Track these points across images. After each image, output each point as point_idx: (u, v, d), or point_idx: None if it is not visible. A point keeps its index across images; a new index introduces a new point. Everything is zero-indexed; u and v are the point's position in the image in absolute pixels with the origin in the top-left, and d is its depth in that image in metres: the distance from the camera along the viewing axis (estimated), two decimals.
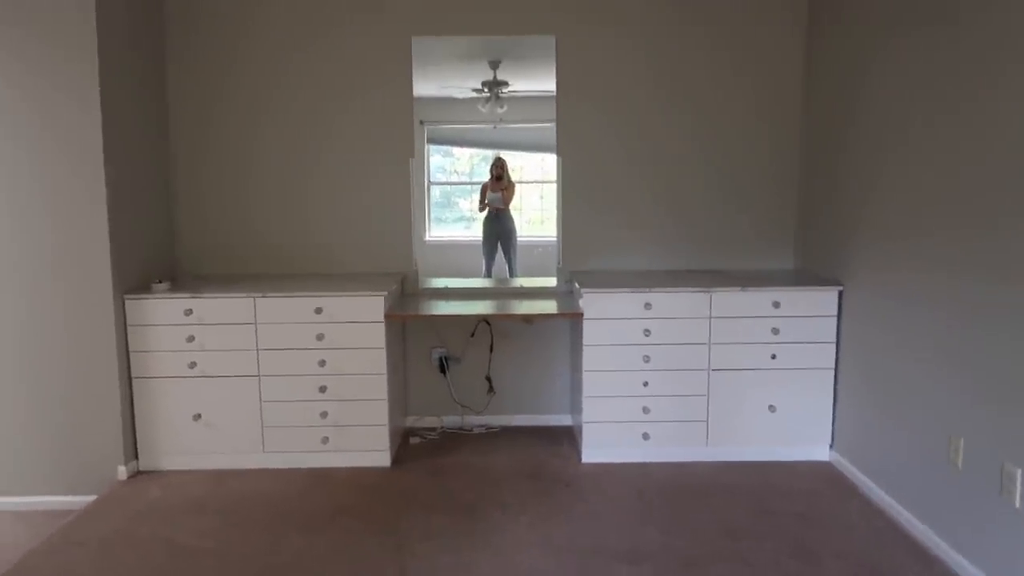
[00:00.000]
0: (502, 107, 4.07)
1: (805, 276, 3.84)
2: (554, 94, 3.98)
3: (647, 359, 3.54)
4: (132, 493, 3.35)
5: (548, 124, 4.01)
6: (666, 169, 4.04)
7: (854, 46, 3.41)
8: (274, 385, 3.53)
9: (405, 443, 3.93)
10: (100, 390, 3.42)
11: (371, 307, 3.49)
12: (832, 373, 3.56)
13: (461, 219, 4.36)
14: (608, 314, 3.52)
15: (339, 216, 4.06)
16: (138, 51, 3.65)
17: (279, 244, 4.06)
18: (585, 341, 3.54)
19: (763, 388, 3.57)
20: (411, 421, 4.18)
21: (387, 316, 3.51)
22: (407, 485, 3.41)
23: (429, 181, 4.21)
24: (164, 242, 3.93)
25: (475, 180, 4.29)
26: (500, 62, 4.02)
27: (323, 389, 3.53)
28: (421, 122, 4.04)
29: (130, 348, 3.48)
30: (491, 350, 4.13)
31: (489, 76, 4.04)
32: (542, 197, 4.22)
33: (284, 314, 3.48)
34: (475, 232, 4.25)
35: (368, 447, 3.59)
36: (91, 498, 3.34)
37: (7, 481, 3.46)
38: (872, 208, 3.24)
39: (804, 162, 3.98)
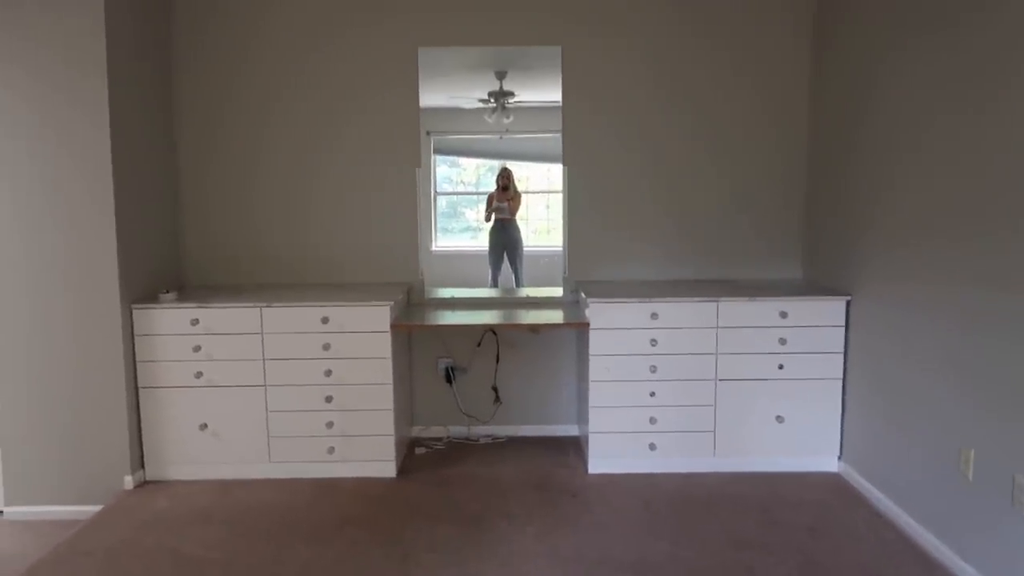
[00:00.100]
0: (508, 117, 4.08)
1: (812, 286, 3.83)
2: (560, 104, 3.99)
3: (654, 369, 3.53)
4: (138, 503, 3.34)
5: (554, 134, 4.02)
6: (672, 179, 4.04)
7: (860, 54, 3.41)
8: (280, 395, 3.53)
9: (411, 453, 3.93)
10: (107, 400, 3.43)
11: (377, 317, 3.49)
12: (840, 383, 3.54)
13: (467, 229, 4.36)
14: (614, 324, 3.51)
15: (345, 226, 4.07)
16: (146, 64, 3.68)
17: (285, 254, 4.08)
18: (591, 351, 3.53)
19: (771, 398, 3.55)
20: (417, 431, 4.18)
21: (393, 326, 3.51)
22: (413, 495, 3.40)
23: (435, 191, 4.22)
24: (171, 252, 3.95)
25: (481, 190, 4.30)
26: (506, 73, 4.04)
27: (329, 399, 3.53)
28: (428, 132, 4.06)
29: (137, 358, 3.49)
30: (497, 360, 4.12)
31: (495, 86, 4.05)
32: (548, 207, 4.22)
33: (290, 324, 3.48)
34: (481, 242, 4.25)
35: (374, 457, 3.58)
36: (98, 508, 3.34)
37: (15, 490, 3.46)
38: (880, 217, 3.23)
39: (811, 172, 3.97)
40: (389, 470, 3.60)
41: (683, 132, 4.00)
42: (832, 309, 3.50)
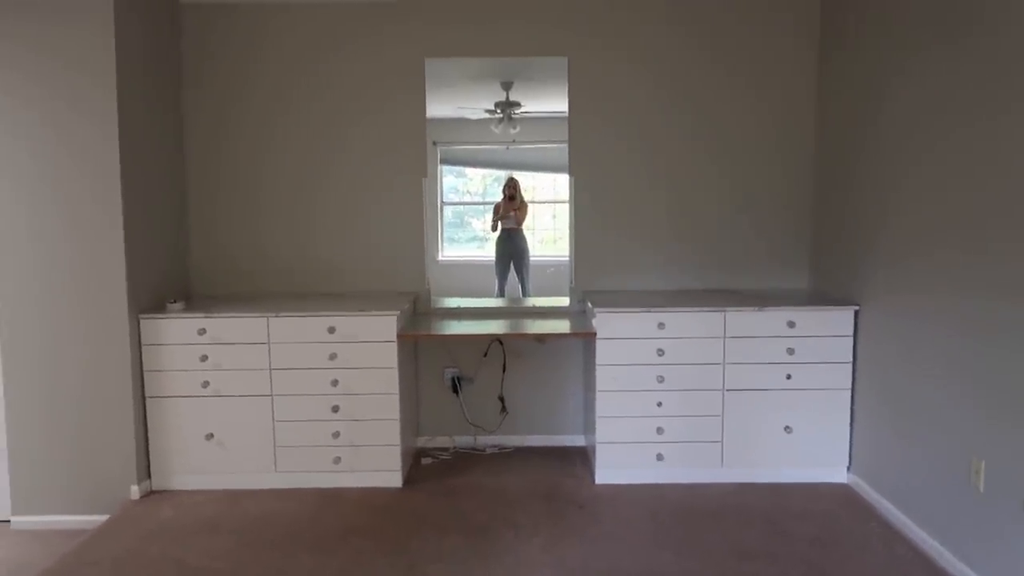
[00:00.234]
0: (515, 128, 4.09)
1: (820, 296, 3.81)
2: (566, 115, 4.00)
3: (661, 379, 3.51)
4: (144, 513, 3.34)
5: (561, 144, 4.02)
6: (679, 188, 4.03)
7: (869, 64, 3.40)
8: (287, 405, 3.53)
9: (417, 463, 3.92)
10: (114, 409, 3.43)
11: (384, 326, 3.49)
12: (849, 394, 3.51)
13: (474, 239, 4.37)
14: (621, 334, 3.50)
15: (352, 236, 4.08)
16: (155, 75, 3.71)
17: (292, 264, 4.09)
18: (598, 361, 3.52)
19: (779, 409, 3.53)
20: (423, 441, 4.17)
21: (400, 336, 3.51)
22: (419, 506, 3.39)
23: (442, 201, 4.23)
24: (178, 262, 3.97)
25: (488, 200, 4.30)
26: (513, 83, 4.06)
27: (335, 409, 3.52)
28: (434, 143, 4.07)
29: (144, 367, 3.50)
30: (504, 370, 4.12)
31: (502, 97, 4.07)
32: (555, 217, 4.22)
33: (297, 334, 3.49)
34: (488, 252, 4.25)
35: (380, 467, 3.57)
36: (104, 517, 3.35)
37: (23, 500, 3.47)
38: (889, 227, 3.21)
39: (818, 181, 3.96)
40: (395, 480, 3.59)
41: (689, 142, 4.00)
42: (840, 319, 3.48)
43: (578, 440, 4.16)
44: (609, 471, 3.59)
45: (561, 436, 4.17)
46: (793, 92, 3.97)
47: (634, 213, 4.05)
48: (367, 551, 2.96)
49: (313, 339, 3.49)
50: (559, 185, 4.12)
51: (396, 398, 3.52)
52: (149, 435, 3.54)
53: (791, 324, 3.47)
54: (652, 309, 3.50)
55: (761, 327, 3.49)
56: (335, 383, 3.51)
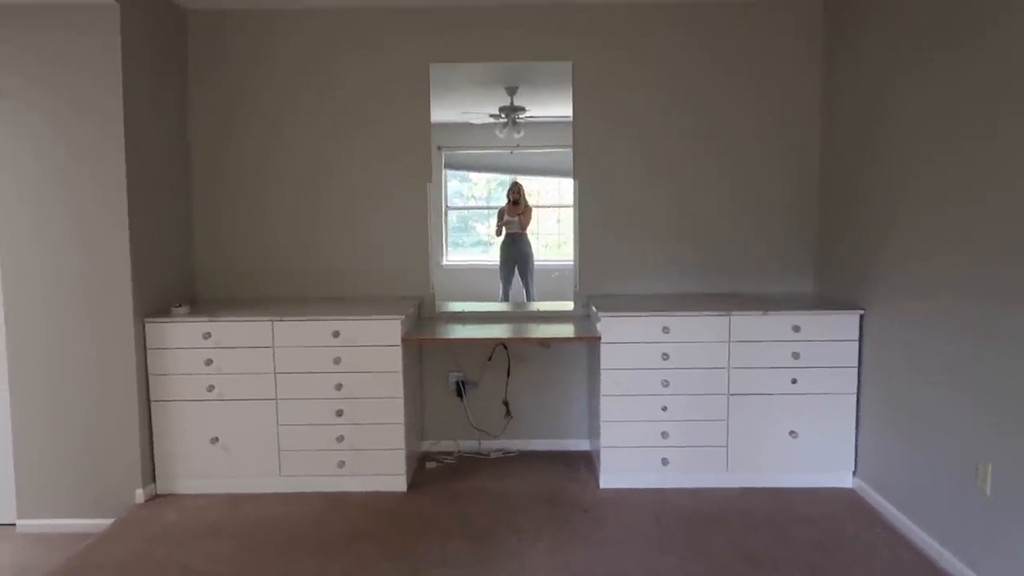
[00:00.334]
0: (519, 132, 4.09)
1: (825, 300, 3.80)
2: (571, 119, 4.00)
3: (666, 383, 3.51)
4: (149, 516, 3.35)
5: (565, 149, 4.03)
6: (683, 193, 4.03)
7: (874, 66, 3.40)
8: (291, 409, 3.53)
9: (421, 467, 3.91)
10: (119, 413, 3.44)
11: (388, 331, 3.49)
12: (854, 398, 3.50)
13: (478, 243, 4.37)
14: (626, 338, 3.50)
15: (357, 240, 4.09)
16: (160, 79, 3.72)
17: (297, 268, 4.10)
18: (603, 365, 3.51)
19: (784, 413, 3.52)
20: (427, 445, 4.17)
21: (404, 340, 3.51)
22: (423, 510, 3.39)
23: (446, 206, 4.23)
24: (183, 266, 3.98)
25: (492, 205, 4.30)
26: (517, 88, 4.06)
27: (340, 413, 3.53)
28: (439, 147, 4.08)
29: (149, 371, 3.50)
30: (508, 374, 4.11)
31: (506, 102, 4.08)
32: (559, 221, 4.22)
33: (302, 338, 3.49)
34: (492, 256, 4.25)
35: (384, 471, 3.57)
36: (109, 521, 3.35)
37: (29, 504, 3.48)
38: (894, 231, 3.21)
39: (823, 185, 3.96)
40: (399, 484, 3.59)
41: (694, 145, 4.00)
42: (845, 323, 3.47)
43: (582, 444, 4.15)
44: (613, 475, 3.58)
45: (565, 440, 4.16)
46: (797, 97, 3.96)
47: (639, 217, 4.05)
48: (371, 555, 2.96)
49: (317, 343, 3.49)
50: (563, 189, 4.12)
51: (400, 402, 3.52)
52: (154, 439, 3.55)
53: (796, 328, 3.47)
54: (657, 313, 3.50)
55: (766, 331, 3.48)
56: (339, 387, 3.51)
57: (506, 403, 4.14)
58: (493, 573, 2.80)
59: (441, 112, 4.02)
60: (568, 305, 4.11)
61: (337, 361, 3.49)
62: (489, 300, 4.26)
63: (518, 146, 4.13)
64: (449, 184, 4.24)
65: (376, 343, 3.49)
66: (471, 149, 4.27)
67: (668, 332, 3.49)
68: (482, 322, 3.97)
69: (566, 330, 3.74)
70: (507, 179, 4.23)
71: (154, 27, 3.62)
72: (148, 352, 3.49)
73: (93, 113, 3.32)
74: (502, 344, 4.04)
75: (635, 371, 3.51)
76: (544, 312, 4.15)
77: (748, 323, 3.48)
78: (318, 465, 3.56)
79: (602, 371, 3.52)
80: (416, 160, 4.03)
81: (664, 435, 3.53)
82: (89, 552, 3.04)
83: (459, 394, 4.11)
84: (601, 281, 4.09)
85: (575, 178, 4.03)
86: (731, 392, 3.52)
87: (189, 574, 2.84)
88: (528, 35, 3.96)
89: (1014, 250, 2.42)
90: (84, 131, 3.33)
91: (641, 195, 4.04)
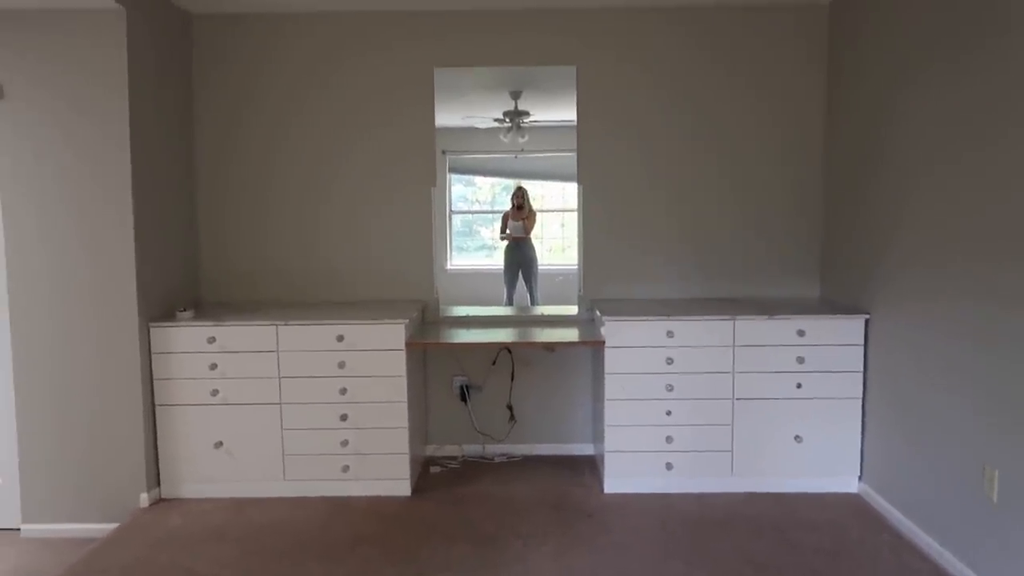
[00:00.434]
0: (523, 137, 4.10)
1: (830, 304, 3.79)
2: (575, 124, 4.00)
3: (670, 388, 3.50)
4: (153, 521, 3.35)
5: (569, 153, 4.03)
6: (688, 197, 4.03)
7: (880, 73, 3.39)
8: (295, 413, 3.53)
9: (425, 472, 3.91)
10: (124, 418, 3.45)
11: (392, 335, 3.49)
12: (860, 403, 3.49)
13: (482, 247, 4.38)
14: (630, 342, 3.49)
15: (361, 245, 4.09)
16: (166, 84, 3.73)
17: (301, 272, 4.10)
18: (607, 369, 3.51)
19: (789, 418, 3.51)
20: (431, 450, 4.16)
21: (408, 344, 3.51)
22: (427, 514, 3.38)
23: (451, 210, 4.24)
24: (188, 270, 3.98)
25: (496, 209, 4.31)
26: (521, 92, 4.07)
27: (344, 417, 3.52)
28: (443, 152, 4.08)
29: (154, 375, 3.51)
30: (512, 378, 4.11)
31: (511, 106, 4.08)
32: (563, 225, 4.23)
33: (306, 342, 3.49)
34: (496, 260, 4.26)
35: (388, 476, 3.57)
36: (114, 525, 3.35)
37: (33, 508, 3.48)
38: (899, 235, 3.20)
39: (827, 189, 3.95)
40: (403, 489, 3.59)
41: (698, 149, 4.00)
42: (850, 328, 3.46)
43: (587, 449, 4.15)
44: (618, 480, 3.58)
45: (570, 445, 4.15)
46: (803, 101, 3.96)
47: (643, 222, 4.05)
48: (375, 560, 2.95)
49: (322, 347, 3.49)
50: (568, 194, 4.12)
51: (404, 406, 3.52)
52: (158, 443, 3.55)
53: (801, 333, 3.46)
54: (661, 317, 3.49)
55: (771, 336, 3.47)
56: (344, 391, 3.51)
57: (510, 407, 4.13)
58: None
59: (446, 116, 4.03)
60: (572, 309, 4.11)
61: (341, 365, 3.49)
62: (493, 304, 4.27)
63: (522, 150, 4.13)
64: (453, 188, 4.24)
65: (380, 347, 3.49)
66: (475, 153, 4.28)
67: (672, 336, 3.48)
68: (486, 326, 3.97)
69: (570, 334, 3.73)
70: (511, 183, 4.24)
71: (160, 32, 3.64)
72: (153, 356, 3.50)
73: (99, 117, 3.34)
74: (506, 348, 4.04)
75: (639, 375, 3.50)
76: (548, 316, 4.15)
77: (753, 327, 3.48)
78: (322, 469, 3.56)
79: (606, 375, 3.51)
80: (420, 164, 4.04)
81: (669, 439, 3.53)
82: (93, 557, 3.04)
83: (463, 398, 4.10)
84: (605, 285, 4.08)
85: (579, 182, 4.03)
86: (736, 396, 3.51)
87: None
88: (533, 40, 3.96)
89: (1018, 253, 2.41)
90: (90, 135, 3.35)
91: (645, 200, 4.04)
